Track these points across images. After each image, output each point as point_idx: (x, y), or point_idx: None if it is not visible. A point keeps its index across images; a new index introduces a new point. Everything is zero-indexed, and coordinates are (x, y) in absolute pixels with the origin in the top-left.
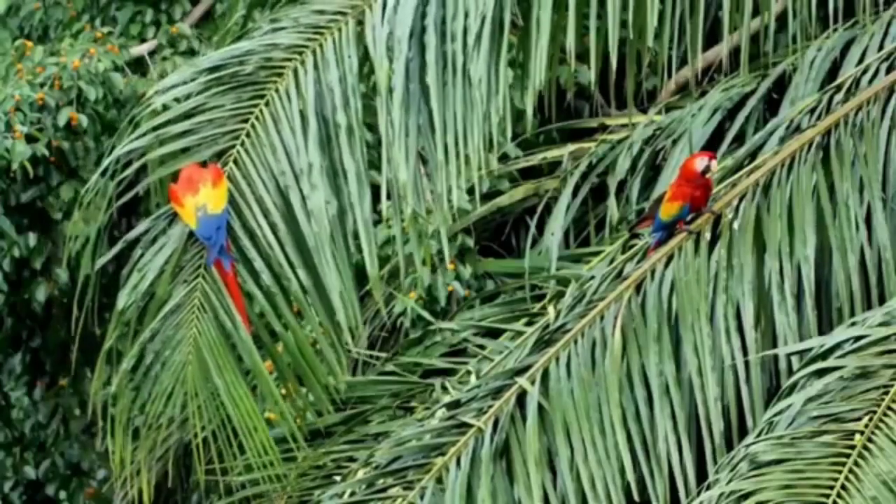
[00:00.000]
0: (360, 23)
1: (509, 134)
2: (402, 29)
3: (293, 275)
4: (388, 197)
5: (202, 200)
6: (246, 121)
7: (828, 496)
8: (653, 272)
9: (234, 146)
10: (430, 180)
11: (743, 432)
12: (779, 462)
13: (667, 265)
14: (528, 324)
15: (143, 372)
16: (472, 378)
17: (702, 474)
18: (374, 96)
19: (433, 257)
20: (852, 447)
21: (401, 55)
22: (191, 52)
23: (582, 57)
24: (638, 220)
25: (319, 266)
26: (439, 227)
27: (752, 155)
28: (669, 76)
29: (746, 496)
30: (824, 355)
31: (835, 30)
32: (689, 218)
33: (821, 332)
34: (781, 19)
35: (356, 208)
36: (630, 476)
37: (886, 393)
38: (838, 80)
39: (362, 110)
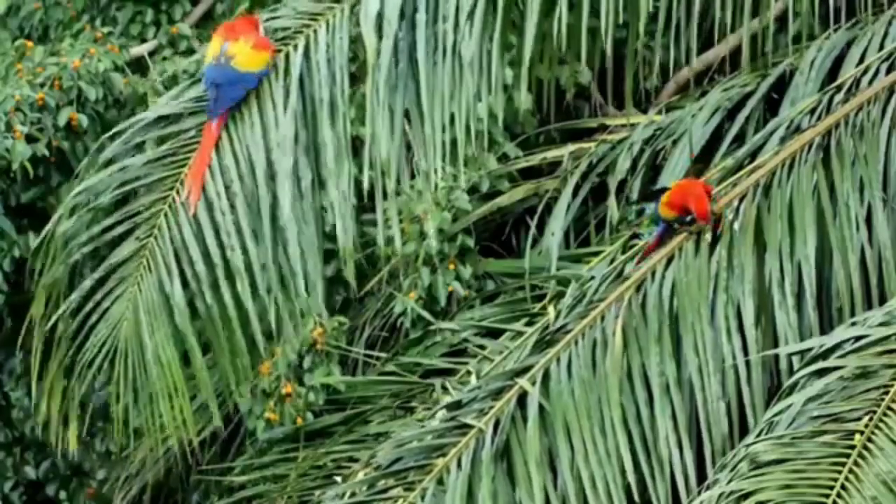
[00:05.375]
0: (355, 7)
1: (500, 116)
2: (393, 6)
3: (239, 245)
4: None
5: (232, 50)
6: None
7: (828, 496)
8: (653, 272)
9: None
10: (417, 160)
11: (743, 432)
12: (779, 462)
13: (667, 265)
14: (529, 324)
15: (82, 320)
16: (473, 378)
17: (702, 474)
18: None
19: (432, 257)
20: (852, 447)
21: (390, 31)
22: (191, 53)
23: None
24: (644, 197)
25: (280, 232)
26: (426, 205)
27: (753, 155)
28: (664, 78)
29: (746, 496)
30: (824, 355)
31: (835, 30)
32: (689, 219)
33: (821, 332)
34: (781, 19)
35: (333, 181)
36: (631, 476)
37: (886, 393)
38: (838, 81)
39: (349, 89)
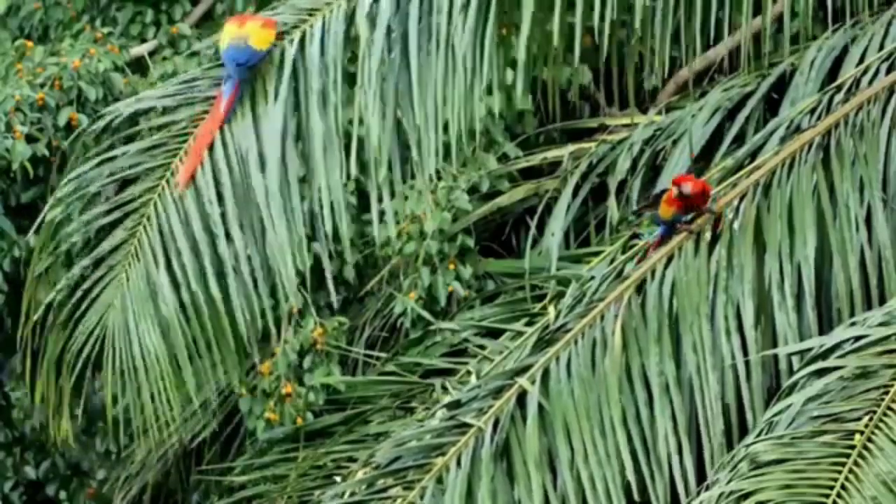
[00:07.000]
0: (352, 2)
1: (496, 107)
2: None
3: (223, 233)
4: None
5: (244, 32)
6: None
7: (828, 496)
8: (653, 272)
9: (206, 110)
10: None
11: (743, 432)
12: (779, 462)
13: (667, 265)
14: (529, 324)
15: (72, 308)
16: (473, 378)
17: (702, 474)
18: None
19: (432, 257)
20: (852, 447)
21: (383, 22)
22: (191, 53)
23: (580, 56)
24: (644, 205)
25: (266, 220)
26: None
27: (753, 155)
28: (657, 76)
29: (746, 496)
30: (824, 355)
31: (835, 30)
32: (689, 218)
33: (821, 332)
34: (782, 19)
35: (322, 169)
36: (630, 476)
37: (886, 393)
38: (838, 81)
39: (342, 80)
